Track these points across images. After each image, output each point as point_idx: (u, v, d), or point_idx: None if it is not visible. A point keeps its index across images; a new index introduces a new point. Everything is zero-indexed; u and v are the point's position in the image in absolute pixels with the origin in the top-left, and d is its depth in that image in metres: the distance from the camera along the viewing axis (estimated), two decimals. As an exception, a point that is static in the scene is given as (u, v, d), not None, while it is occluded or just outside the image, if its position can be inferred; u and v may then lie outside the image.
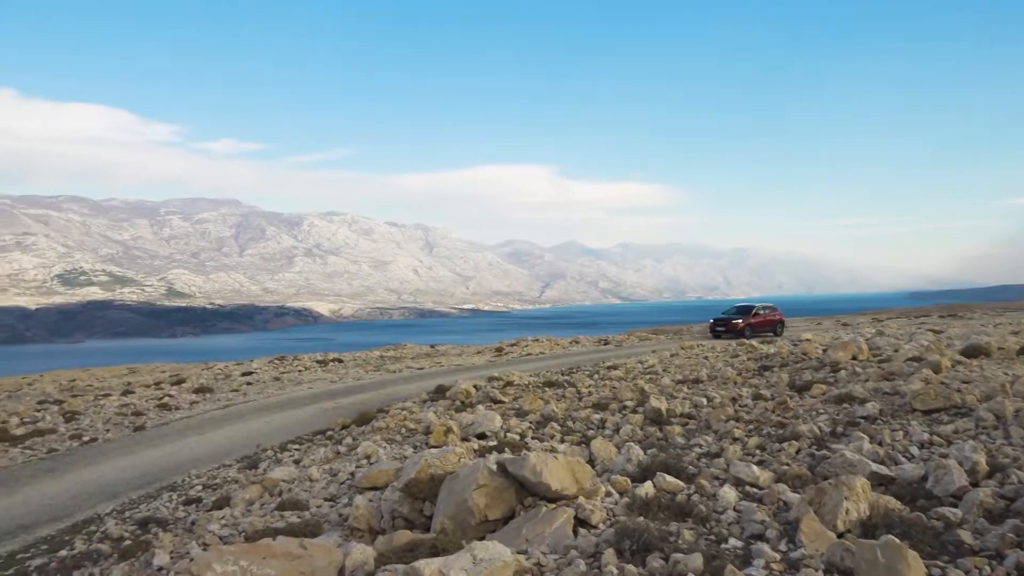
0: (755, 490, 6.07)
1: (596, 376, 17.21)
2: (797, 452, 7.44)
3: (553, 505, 5.62)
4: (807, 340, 20.62)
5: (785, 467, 6.65)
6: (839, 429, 8.18)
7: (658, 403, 10.41)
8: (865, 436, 7.43)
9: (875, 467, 6.02)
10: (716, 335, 33.25)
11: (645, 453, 7.64)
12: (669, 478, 6.21)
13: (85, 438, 15.05)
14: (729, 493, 5.82)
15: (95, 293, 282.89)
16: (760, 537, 5.00)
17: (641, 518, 5.26)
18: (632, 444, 7.86)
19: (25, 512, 9.68)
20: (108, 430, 15.82)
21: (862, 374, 12.18)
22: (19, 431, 15.98)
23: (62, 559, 7.56)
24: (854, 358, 14.33)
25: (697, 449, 8.08)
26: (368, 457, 9.81)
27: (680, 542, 4.81)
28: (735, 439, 8.37)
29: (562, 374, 18.62)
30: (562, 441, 9.66)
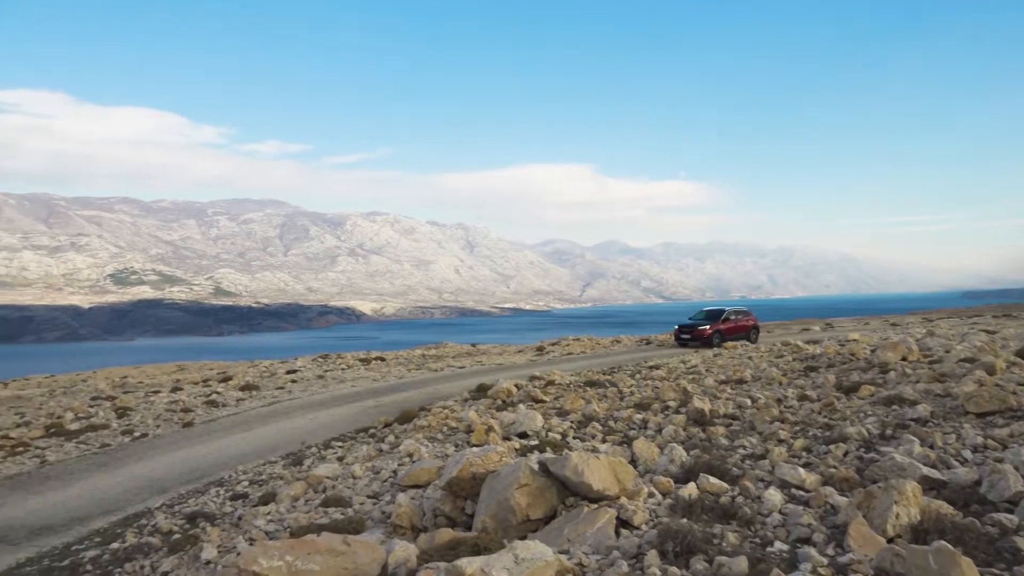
0: (801, 493, 5.97)
1: (638, 376, 17.09)
2: (845, 455, 7.30)
3: (595, 505, 5.59)
4: (854, 340, 20.21)
5: (832, 470, 6.52)
6: (888, 432, 8.00)
7: (701, 403, 10.29)
8: (916, 439, 7.25)
9: (926, 471, 5.87)
10: (681, 343, 29.37)
11: (688, 454, 7.56)
12: (713, 479, 6.13)
13: (136, 433, 15.42)
14: (774, 495, 5.73)
15: (145, 292, 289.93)
16: (807, 541, 4.91)
17: (684, 520, 5.21)
18: (675, 445, 7.79)
19: (79, 505, 9.96)
20: (158, 426, 16.20)
21: (912, 375, 11.89)
22: (74, 426, 16.45)
23: (115, 551, 7.77)
24: (904, 359, 13.99)
25: (741, 451, 7.98)
26: (410, 455, 9.88)
27: (724, 545, 4.75)
28: (780, 441, 8.24)
29: (603, 374, 18.53)
30: (604, 441, 9.61)
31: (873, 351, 15.52)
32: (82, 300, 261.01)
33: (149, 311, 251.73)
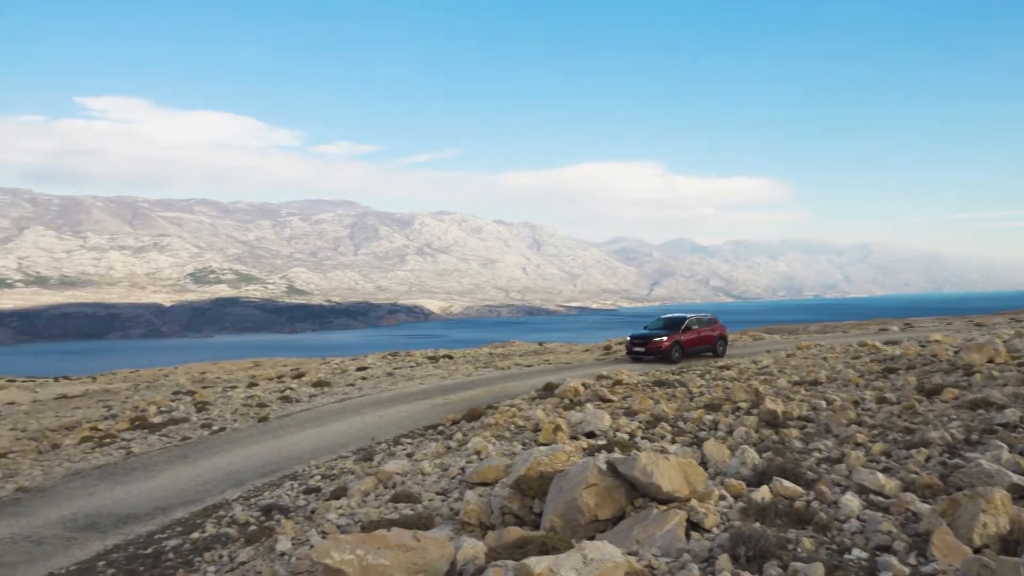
0: (880, 499, 5.77)
1: (707, 376, 16.82)
2: (927, 460, 7.02)
3: (664, 507, 5.52)
4: (936, 341, 19.43)
5: (913, 475, 6.28)
6: (974, 437, 7.66)
7: (774, 405, 10.05)
8: (1004, 445, 6.93)
9: (1016, 478, 5.60)
10: (634, 357, 25.15)
11: (760, 456, 7.40)
12: (786, 483, 5.98)
13: (215, 427, 15.96)
14: (852, 501, 5.55)
15: (223, 290, 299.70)
16: (887, 549, 4.74)
17: (757, 524, 5.09)
18: (746, 447, 7.62)
19: (162, 495, 10.37)
20: (235, 420, 16.72)
21: (999, 378, 11.36)
22: (156, 419, 17.12)
23: (195, 541, 8.05)
24: (990, 361, 13.37)
25: (816, 454, 7.76)
26: (478, 453, 9.95)
27: (799, 550, 4.63)
28: (857, 444, 7.98)
29: (672, 373, 18.30)
30: (673, 442, 9.49)
31: (956, 352, 14.89)
32: (164, 298, 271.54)
33: (226, 309, 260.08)
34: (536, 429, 11.34)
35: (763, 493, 5.80)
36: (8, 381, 39.38)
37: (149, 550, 7.95)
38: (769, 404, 10.09)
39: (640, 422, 11.09)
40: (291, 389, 22.00)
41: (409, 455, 11.19)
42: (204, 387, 24.80)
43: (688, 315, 26.58)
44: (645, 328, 26.79)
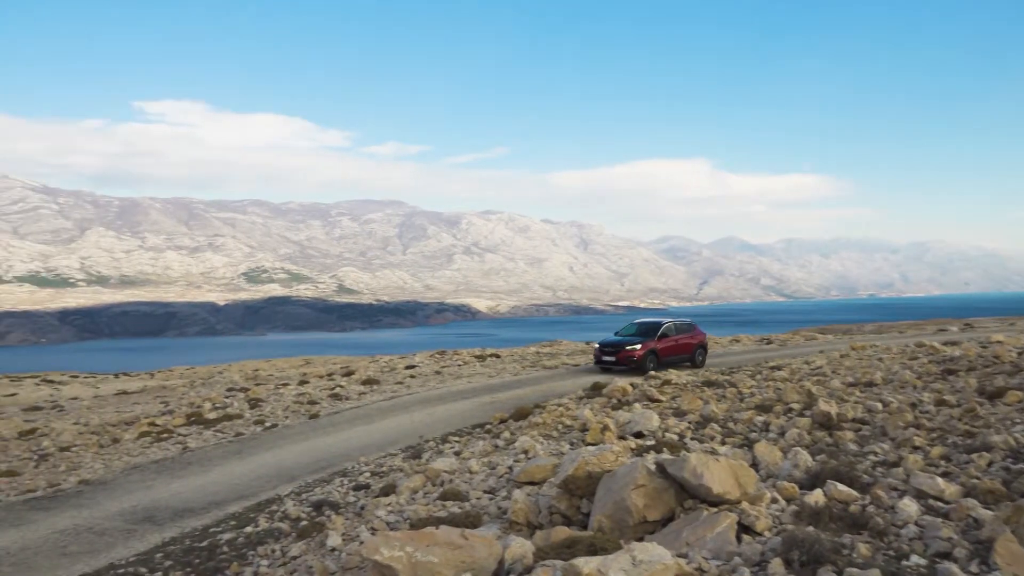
0: (940, 504, 5.60)
1: (758, 376, 16.54)
2: (989, 465, 6.79)
3: (715, 509, 5.45)
4: (998, 342, 18.79)
5: (975, 481, 6.09)
6: (1039, 441, 7.38)
7: (827, 406, 9.84)
8: (1072, 450, 6.66)
9: (1085, 485, 5.38)
10: (603, 367, 22.98)
11: (814, 459, 7.25)
12: (841, 487, 5.85)
13: (267, 424, 16.27)
14: (910, 506, 5.39)
15: (275, 290, 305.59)
16: (947, 556, 4.60)
17: (811, 528, 4.99)
18: (799, 449, 7.48)
19: (216, 490, 10.61)
20: (287, 417, 17.03)
21: (1067, 381, 10.93)
22: (211, 415, 17.53)
23: (248, 535, 8.22)
24: (1057, 363, 12.88)
25: (872, 457, 7.57)
26: (526, 452, 9.95)
27: (855, 556, 4.52)
28: (915, 448, 7.76)
29: (722, 374, 18.05)
30: (723, 443, 9.36)
31: (1020, 354, 14.38)
32: (218, 297, 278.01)
33: (278, 308, 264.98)
34: (584, 429, 11.29)
35: (817, 496, 5.68)
36: (71, 377, 40.78)
37: (204, 543, 8.14)
38: (822, 405, 9.88)
39: (689, 423, 10.96)
40: (341, 387, 22.31)
41: (457, 453, 11.25)
42: (257, 384, 25.31)
43: (665, 320, 24.47)
44: (616, 334, 24.65)
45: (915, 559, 4.52)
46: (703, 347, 24.56)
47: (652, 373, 17.94)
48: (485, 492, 8.36)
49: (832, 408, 9.79)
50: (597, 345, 23.92)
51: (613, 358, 22.65)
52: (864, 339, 31.41)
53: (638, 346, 22.52)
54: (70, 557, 7.97)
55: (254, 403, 19.49)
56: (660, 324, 23.98)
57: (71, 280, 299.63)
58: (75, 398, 28.46)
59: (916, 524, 5.17)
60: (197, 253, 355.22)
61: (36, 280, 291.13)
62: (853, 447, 8.18)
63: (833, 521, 5.26)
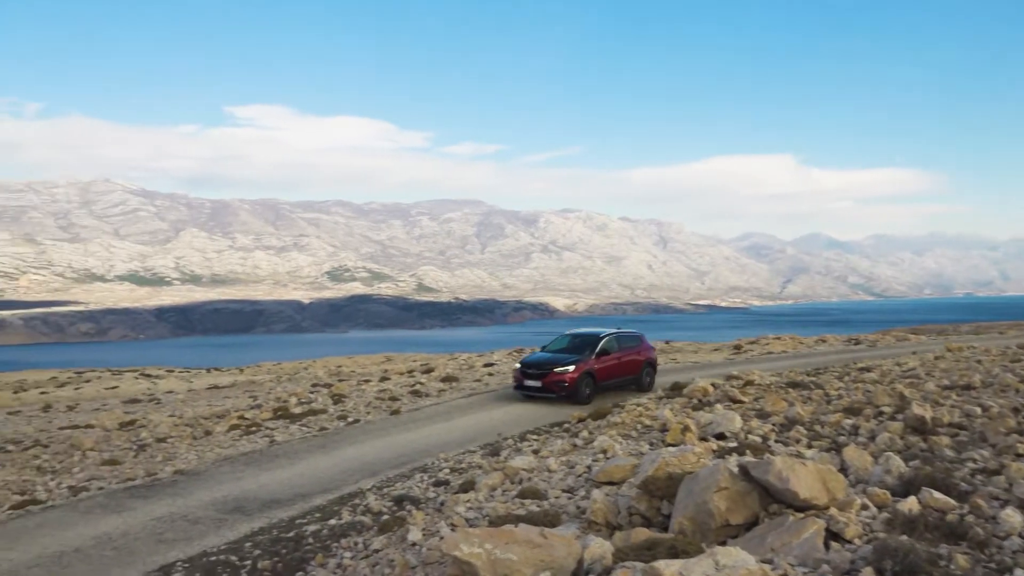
0: (1047, 516, 5.27)
1: (847, 378, 15.98)
2: (1102, 475, 6.36)
3: (801, 514, 5.28)
4: (1112, 344, 17.60)
5: (1086, 492, 5.71)
6: None
7: (921, 410, 9.41)
8: None
9: None
10: (526, 394, 17.93)
11: (907, 465, 6.94)
12: (937, 494, 5.58)
13: (350, 419, 16.66)
14: (1013, 517, 5.10)
15: (357, 288, 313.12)
16: (1054, 571, 4.33)
17: (904, 536, 4.78)
18: (891, 454, 7.17)
19: (302, 483, 10.93)
20: (369, 413, 17.39)
21: None
22: (297, 410, 18.06)
23: (332, 527, 8.44)
24: None
25: (970, 464, 7.19)
26: (604, 451, 9.88)
27: (952, 567, 4.30)
28: (1018, 455, 7.34)
29: (807, 375, 17.52)
30: (809, 446, 9.06)
31: None
32: (303, 295, 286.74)
33: (360, 306, 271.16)
34: (663, 429, 11.14)
35: (911, 504, 5.44)
36: (167, 371, 42.78)
37: (291, 534, 8.40)
38: (916, 409, 9.45)
39: (773, 425, 10.67)
40: (421, 384, 22.65)
41: (535, 451, 11.26)
42: (340, 380, 25.96)
43: (604, 332, 19.05)
44: (543, 349, 19.70)
45: (1019, 573, 4.28)
46: (652, 365, 19.83)
47: (734, 374, 17.43)
48: (563, 491, 8.34)
49: (927, 412, 9.36)
50: (518, 366, 18.55)
51: (538, 383, 17.44)
52: (961, 340, 29.93)
53: (570, 367, 17.31)
54: (166, 544, 8.35)
55: (337, 399, 19.98)
56: (599, 337, 18.64)
57: (167, 279, 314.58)
58: (170, 391, 29.84)
59: (1020, 536, 4.89)
60: (283, 252, 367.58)
61: (135, 279, 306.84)
62: (949, 453, 7.80)
63: (928, 530, 5.03)
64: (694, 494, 5.75)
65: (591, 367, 17.69)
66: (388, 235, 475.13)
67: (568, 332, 20.13)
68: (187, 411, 20.07)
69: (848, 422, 10.21)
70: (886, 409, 10.80)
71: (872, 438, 9.04)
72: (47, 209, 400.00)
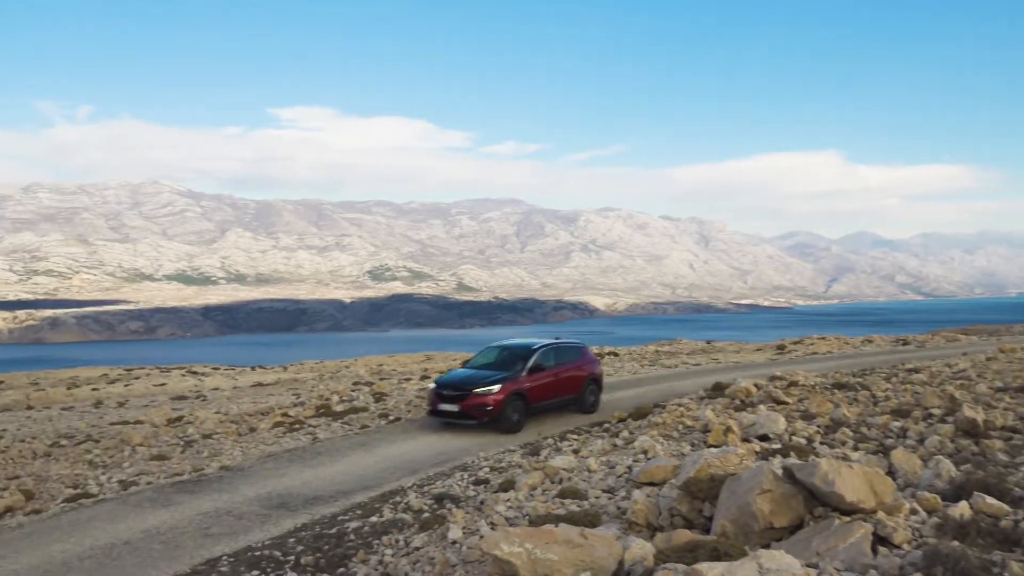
0: (1107, 523, 5.09)
1: (894, 379, 15.63)
2: None
3: (847, 518, 5.17)
4: None
5: None
6: None
7: (973, 412, 9.16)
8: None
9: None
10: (444, 420, 15.02)
11: (958, 469, 6.76)
12: (990, 499, 5.42)
13: (391, 417, 16.79)
14: (1071, 524, 4.93)
15: (398, 287, 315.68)
16: (1115, 580, 4.17)
17: (955, 542, 4.65)
18: (941, 457, 6.99)
19: (344, 480, 11.05)
20: (409, 411, 17.51)
21: None
22: (339, 408, 18.26)
23: (373, 524, 8.51)
24: None
25: (1025, 469, 6.99)
26: (645, 452, 9.80)
27: (1006, 574, 4.18)
28: (1076, 460, 7.10)
29: (853, 375, 17.17)
30: (855, 449, 8.89)
31: None
32: (345, 294, 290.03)
33: (401, 305, 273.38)
34: (705, 430, 11.02)
35: (962, 509, 5.29)
36: (213, 369, 43.63)
37: (333, 530, 8.49)
38: (967, 412, 9.20)
39: (818, 426, 10.49)
40: (461, 382, 22.67)
41: (575, 451, 11.22)
42: (381, 379, 26.20)
43: (538, 343, 16.12)
44: (466, 366, 16.68)
45: (1078, 582, 4.13)
46: (596, 382, 16.81)
47: (777, 374, 17.08)
48: (604, 491, 8.29)
49: (978, 415, 9.11)
50: (434, 385, 15.62)
51: (455, 407, 14.59)
52: (1014, 341, 29.07)
53: (495, 387, 14.43)
54: (212, 538, 8.50)
55: (378, 397, 20.16)
56: (531, 349, 15.77)
57: (213, 278, 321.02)
58: (216, 388, 30.43)
59: (1078, 544, 4.73)
60: (325, 252, 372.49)
61: (182, 278, 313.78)
62: (1003, 457, 7.58)
63: (981, 536, 4.89)
64: (737, 496, 5.68)
65: (521, 386, 14.78)
66: (428, 234, 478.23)
67: (496, 344, 17.19)
68: (232, 408, 20.44)
69: (896, 424, 10.00)
70: (936, 411, 10.55)
71: (921, 441, 8.84)
72: (99, 211, 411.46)
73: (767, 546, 5.08)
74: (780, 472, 5.70)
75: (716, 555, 4.61)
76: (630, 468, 9.00)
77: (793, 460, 6.54)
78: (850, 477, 5.35)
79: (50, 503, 10.74)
